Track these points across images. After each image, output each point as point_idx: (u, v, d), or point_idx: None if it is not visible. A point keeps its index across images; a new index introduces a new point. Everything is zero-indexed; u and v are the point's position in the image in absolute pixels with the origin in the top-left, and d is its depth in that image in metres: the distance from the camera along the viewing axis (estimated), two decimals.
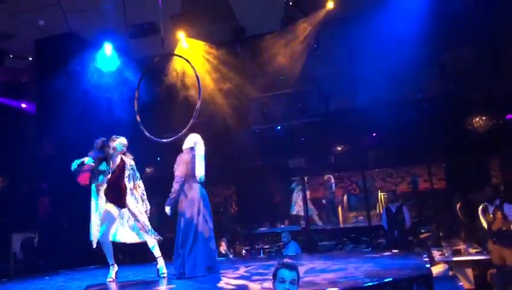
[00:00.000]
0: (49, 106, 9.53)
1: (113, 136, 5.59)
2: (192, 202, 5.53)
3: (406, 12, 8.55)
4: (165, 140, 5.90)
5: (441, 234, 9.71)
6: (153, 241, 5.45)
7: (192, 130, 5.85)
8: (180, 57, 6.88)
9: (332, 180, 11.20)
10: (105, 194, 5.41)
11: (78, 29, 9.31)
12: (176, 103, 9.94)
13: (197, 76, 5.93)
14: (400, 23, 8.49)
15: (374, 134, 10.04)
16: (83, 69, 9.20)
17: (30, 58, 10.23)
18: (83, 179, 5.35)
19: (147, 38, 9.31)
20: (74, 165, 5.32)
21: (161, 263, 5.51)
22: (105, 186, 5.40)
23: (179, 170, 5.57)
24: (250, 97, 10.54)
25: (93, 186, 5.44)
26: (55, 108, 9.25)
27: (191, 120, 5.62)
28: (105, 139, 5.55)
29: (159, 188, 7.42)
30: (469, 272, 7.51)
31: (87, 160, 5.34)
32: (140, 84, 6.08)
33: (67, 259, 7.86)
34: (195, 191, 5.58)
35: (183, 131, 5.73)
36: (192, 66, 6.00)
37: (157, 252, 5.48)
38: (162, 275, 5.44)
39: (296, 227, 10.82)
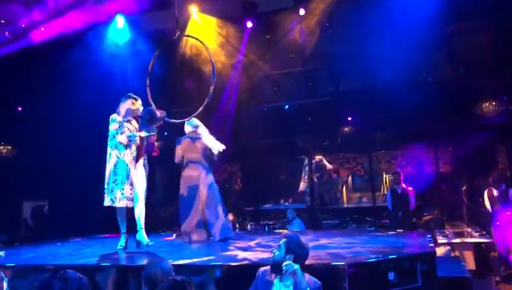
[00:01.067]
0: (60, 77, 9.58)
1: (132, 96, 5.51)
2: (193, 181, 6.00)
3: None
4: (176, 120, 6.00)
5: (444, 217, 9.81)
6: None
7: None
8: (197, 39, 6.84)
9: (325, 160, 11.22)
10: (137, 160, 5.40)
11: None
12: (189, 76, 9.98)
13: (212, 62, 5.97)
14: (413, 5, 8.43)
15: (382, 115, 10.04)
16: (94, 40, 9.22)
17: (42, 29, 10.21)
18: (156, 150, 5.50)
19: (159, 12, 9.28)
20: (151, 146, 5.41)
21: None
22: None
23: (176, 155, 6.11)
24: (260, 74, 10.54)
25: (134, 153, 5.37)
26: (67, 79, 9.33)
27: (201, 107, 5.70)
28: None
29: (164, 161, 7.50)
30: (471, 254, 7.62)
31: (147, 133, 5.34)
32: (153, 64, 6.07)
33: (76, 227, 8.02)
34: (193, 171, 6.04)
35: (193, 115, 5.84)
36: (208, 50, 6.08)
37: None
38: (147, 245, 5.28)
39: (300, 205, 10.95)
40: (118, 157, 5.25)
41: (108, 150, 5.34)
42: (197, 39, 6.81)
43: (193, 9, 9.56)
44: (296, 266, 3.20)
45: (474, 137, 9.62)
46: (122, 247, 5.46)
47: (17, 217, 10.11)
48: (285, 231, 3.50)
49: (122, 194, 5.19)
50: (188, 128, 6.26)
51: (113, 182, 5.23)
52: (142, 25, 9.58)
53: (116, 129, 5.31)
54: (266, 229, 10.16)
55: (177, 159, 6.25)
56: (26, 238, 9.47)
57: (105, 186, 5.29)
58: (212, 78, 5.83)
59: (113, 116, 5.37)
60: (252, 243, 5.64)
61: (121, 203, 5.21)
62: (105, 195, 5.27)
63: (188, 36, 7.43)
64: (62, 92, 9.29)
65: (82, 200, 8.79)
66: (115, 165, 5.25)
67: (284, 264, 3.22)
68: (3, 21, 8.98)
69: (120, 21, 9.37)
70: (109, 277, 4.26)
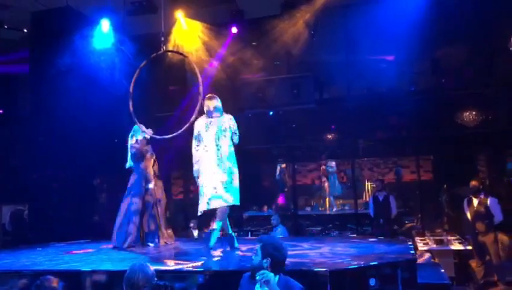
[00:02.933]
0: (42, 80, 9.47)
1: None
2: None
3: (403, 5, 8.63)
4: (158, 136, 6.02)
5: (425, 225, 9.93)
6: None
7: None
8: (183, 55, 6.85)
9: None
10: None
11: (75, 4, 9.22)
12: (173, 81, 9.96)
13: (198, 79, 5.90)
14: (397, 16, 8.57)
15: (366, 123, 10.15)
16: (78, 43, 9.14)
17: (25, 30, 10.12)
18: None
19: (145, 16, 9.26)
20: None
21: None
22: None
23: None
24: (244, 80, 10.57)
25: None
26: (48, 81, 9.23)
27: (188, 124, 5.65)
28: None
29: None
30: (450, 261, 7.73)
31: None
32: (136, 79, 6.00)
33: (56, 232, 7.90)
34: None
35: (179, 131, 5.79)
36: (195, 69, 5.99)
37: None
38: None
39: (284, 211, 10.98)
40: None
41: None
42: (182, 55, 6.79)
43: (179, 15, 9.57)
44: (270, 275, 3.11)
45: (455, 146, 9.78)
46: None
47: None
48: (261, 235, 3.45)
49: None
50: None
51: None
52: (127, 29, 9.54)
53: None
54: (249, 235, 10.15)
55: None
56: (5, 241, 9.30)
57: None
58: (201, 95, 5.75)
59: None
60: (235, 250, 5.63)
61: None
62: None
63: (173, 52, 7.22)
64: (44, 95, 9.18)
65: (63, 205, 8.67)
66: None
67: (257, 273, 3.13)
68: None
69: (105, 25, 9.31)
70: (90, 282, 4.21)
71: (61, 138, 9.02)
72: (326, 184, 11.61)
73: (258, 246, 3.29)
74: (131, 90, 5.92)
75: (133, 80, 5.94)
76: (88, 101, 8.89)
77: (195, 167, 5.50)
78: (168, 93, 10.68)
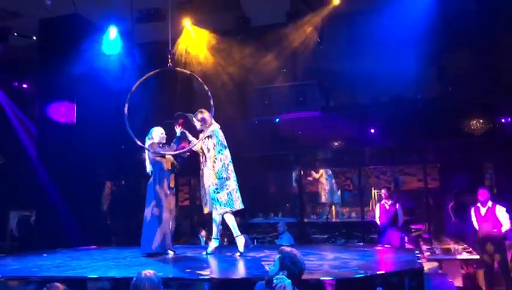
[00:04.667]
0: (50, 86, 9.56)
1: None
2: None
3: (409, 13, 8.65)
4: (161, 152, 5.91)
5: (432, 233, 9.87)
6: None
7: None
8: (191, 74, 6.62)
9: None
10: None
11: (83, 11, 9.31)
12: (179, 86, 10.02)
13: (208, 95, 5.82)
14: (403, 23, 8.60)
15: (372, 130, 10.13)
16: (86, 50, 9.23)
17: (34, 38, 10.23)
18: None
19: (152, 23, 9.34)
20: None
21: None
22: None
23: None
24: (251, 88, 10.61)
25: None
26: (57, 88, 9.31)
27: (198, 140, 5.73)
28: None
29: None
30: (458, 270, 7.67)
31: None
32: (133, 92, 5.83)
33: (63, 238, 7.94)
34: None
35: (187, 148, 5.80)
36: (203, 85, 5.90)
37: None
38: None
39: (290, 218, 10.97)
40: None
41: None
42: (190, 74, 6.55)
43: (186, 22, 9.65)
44: (287, 282, 3.17)
45: (462, 154, 9.73)
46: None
47: (3, 227, 9.98)
48: (282, 247, 3.46)
49: None
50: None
51: None
52: (135, 37, 9.63)
53: None
54: (255, 243, 10.13)
55: None
56: (12, 247, 9.35)
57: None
58: (210, 112, 5.78)
59: None
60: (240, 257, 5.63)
61: None
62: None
63: (180, 71, 7.06)
64: (52, 102, 9.26)
65: (69, 211, 8.71)
66: None
67: (275, 277, 3.19)
68: None
69: (113, 32, 9.39)
70: (96, 289, 4.21)
71: (68, 144, 9.09)
72: (324, 190, 11.54)
73: (276, 257, 3.33)
74: (125, 111, 5.73)
75: (127, 102, 5.72)
76: (95, 107, 8.95)
77: (223, 174, 5.68)
78: (176, 98, 10.70)
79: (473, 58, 9.71)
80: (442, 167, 10.54)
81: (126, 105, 5.72)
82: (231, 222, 5.73)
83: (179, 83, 10.41)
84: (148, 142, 6.02)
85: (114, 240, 10.13)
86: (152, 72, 6.00)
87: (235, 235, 5.76)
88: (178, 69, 6.17)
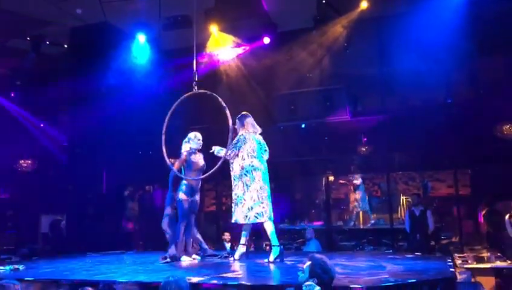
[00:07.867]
0: (80, 93, 9.76)
1: None
2: None
3: (439, 16, 8.48)
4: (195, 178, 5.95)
5: (463, 241, 9.61)
6: None
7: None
8: (212, 95, 6.20)
9: None
10: None
11: (113, 19, 9.49)
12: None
13: (226, 112, 5.75)
14: (433, 26, 8.43)
15: (401, 135, 9.95)
16: (115, 58, 9.40)
17: (65, 46, 10.48)
18: None
19: (179, 30, 9.43)
20: None
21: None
22: None
23: None
24: (277, 93, 10.58)
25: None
26: (87, 95, 9.50)
27: (219, 162, 5.65)
28: None
29: None
30: (491, 280, 7.43)
31: None
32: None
33: (92, 242, 8.06)
34: None
35: (215, 168, 5.71)
36: (222, 103, 5.84)
37: None
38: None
39: (317, 225, 10.87)
40: None
41: None
42: (212, 95, 6.17)
43: (213, 29, 9.71)
44: (317, 289, 3.13)
45: (494, 160, 9.44)
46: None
47: (36, 231, 10.22)
48: (313, 254, 3.43)
49: None
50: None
51: None
52: (162, 43, 9.75)
53: None
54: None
55: None
56: (44, 251, 9.55)
57: None
58: (231, 132, 5.78)
59: None
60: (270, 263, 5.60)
61: None
62: None
63: (203, 92, 6.95)
64: (85, 110, 9.44)
65: (99, 216, 8.86)
66: None
67: (304, 284, 3.16)
68: None
69: (141, 39, 9.54)
70: None
71: (97, 150, 9.27)
72: (354, 198, 11.37)
73: (306, 265, 3.32)
74: (164, 131, 5.79)
75: (165, 123, 5.81)
76: (121, 114, 9.09)
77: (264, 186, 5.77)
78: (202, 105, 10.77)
79: (505, 61, 9.43)
80: (473, 173, 10.25)
81: (164, 125, 5.78)
82: (270, 229, 5.67)
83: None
84: (184, 146, 6.04)
85: (141, 244, 10.24)
86: (181, 98, 6.08)
87: (272, 243, 5.70)
88: (201, 91, 6.14)
